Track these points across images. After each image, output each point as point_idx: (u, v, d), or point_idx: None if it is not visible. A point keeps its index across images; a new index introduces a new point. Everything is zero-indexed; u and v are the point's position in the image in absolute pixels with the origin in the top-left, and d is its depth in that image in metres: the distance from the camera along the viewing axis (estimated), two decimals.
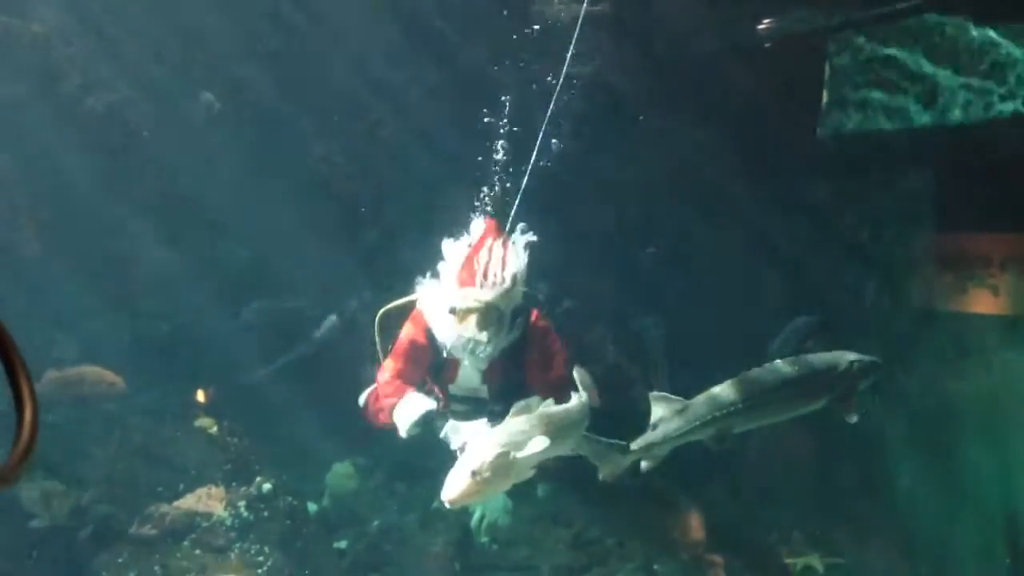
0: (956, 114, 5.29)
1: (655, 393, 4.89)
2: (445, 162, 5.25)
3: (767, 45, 6.21)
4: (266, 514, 6.66)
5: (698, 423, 4.68)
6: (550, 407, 4.05)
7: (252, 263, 8.11)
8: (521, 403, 4.12)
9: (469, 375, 4.74)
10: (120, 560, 6.21)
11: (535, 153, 4.76)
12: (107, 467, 6.90)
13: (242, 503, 6.68)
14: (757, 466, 6.75)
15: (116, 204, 7.64)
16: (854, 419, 4.67)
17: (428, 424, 4.49)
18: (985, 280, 5.87)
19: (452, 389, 4.82)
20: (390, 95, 7.67)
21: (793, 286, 6.84)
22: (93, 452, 7.06)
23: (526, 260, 4.58)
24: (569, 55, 4.89)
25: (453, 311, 4.48)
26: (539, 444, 3.72)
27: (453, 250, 4.62)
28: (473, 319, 4.46)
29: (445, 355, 4.69)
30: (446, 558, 6.60)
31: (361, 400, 5.02)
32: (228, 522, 6.53)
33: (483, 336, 4.46)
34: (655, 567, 6.59)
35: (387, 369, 4.79)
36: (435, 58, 7.39)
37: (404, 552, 6.81)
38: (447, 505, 3.65)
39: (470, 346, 4.51)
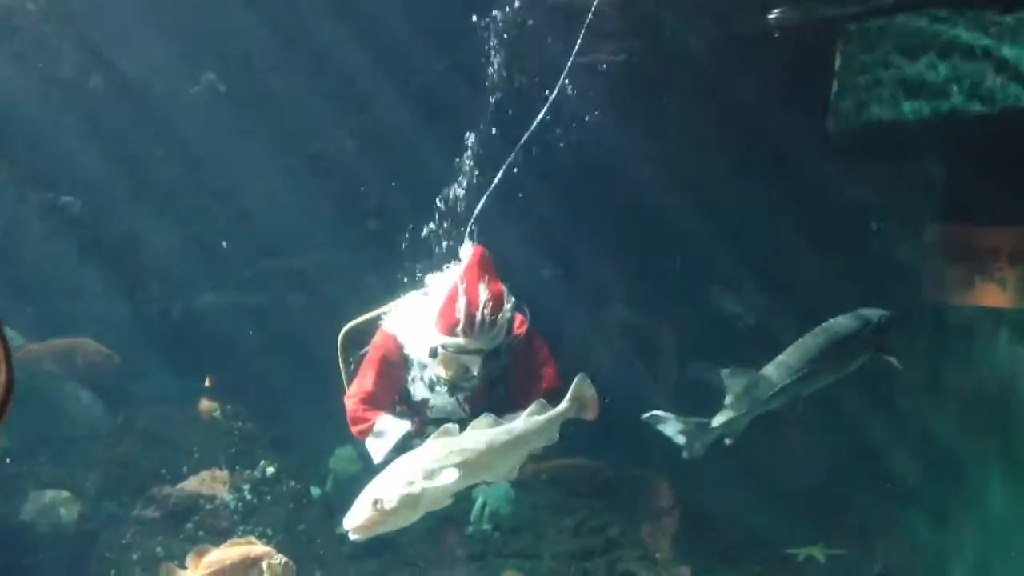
0: (968, 104, 5.24)
1: (726, 369, 4.93)
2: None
3: (776, 35, 6.17)
4: (269, 498, 6.68)
5: (773, 392, 4.80)
6: (490, 427, 3.84)
7: (256, 245, 8.09)
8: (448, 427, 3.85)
9: (445, 407, 4.44)
10: (123, 541, 6.24)
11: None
12: (110, 449, 6.94)
13: (246, 486, 6.70)
14: (764, 460, 6.73)
15: (119, 185, 7.63)
16: (899, 365, 5.07)
17: (406, 448, 4.12)
18: (993, 274, 5.84)
19: (430, 413, 4.50)
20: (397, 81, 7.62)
21: (797, 278, 6.82)
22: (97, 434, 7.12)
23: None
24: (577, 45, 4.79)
25: (434, 354, 4.19)
26: (449, 477, 3.54)
27: (436, 282, 4.31)
28: (456, 364, 4.17)
29: (412, 382, 4.41)
30: (448, 545, 6.60)
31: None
32: (231, 505, 6.55)
33: (467, 378, 4.20)
34: (657, 555, 6.61)
35: (353, 394, 4.48)
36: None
37: (406, 538, 6.83)
38: (350, 536, 3.51)
39: (449, 388, 4.26)
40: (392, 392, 4.48)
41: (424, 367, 4.34)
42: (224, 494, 6.60)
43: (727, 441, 4.92)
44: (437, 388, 4.35)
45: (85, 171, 7.56)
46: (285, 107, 7.66)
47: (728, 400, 4.84)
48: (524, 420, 3.92)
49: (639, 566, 6.46)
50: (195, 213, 7.83)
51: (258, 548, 4.50)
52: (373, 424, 4.33)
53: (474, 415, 4.26)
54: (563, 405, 4.01)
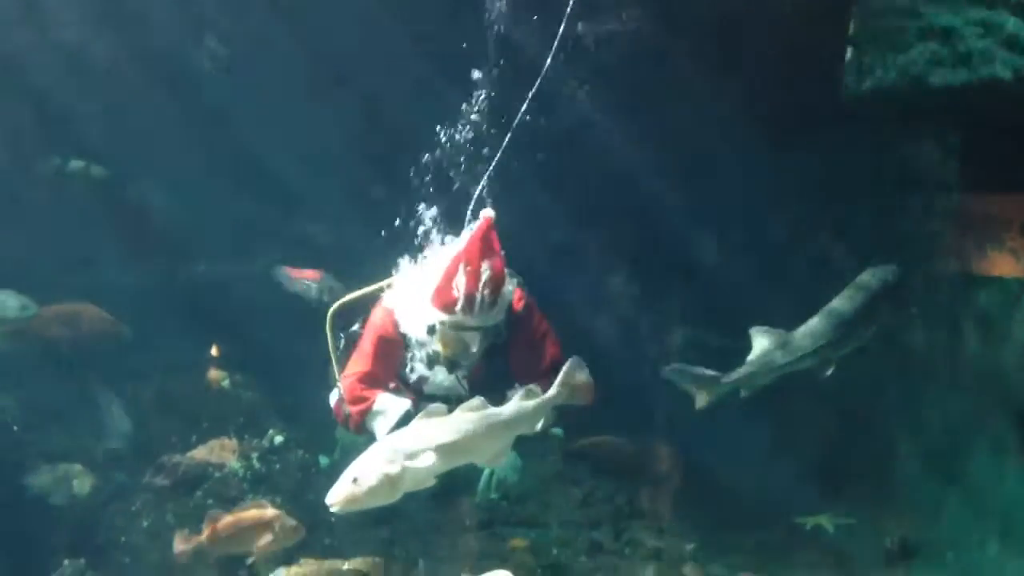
0: (986, 70, 5.16)
1: (756, 327, 4.98)
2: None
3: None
4: (278, 466, 6.70)
5: (800, 354, 4.92)
6: (479, 409, 3.83)
7: (266, 213, 8.07)
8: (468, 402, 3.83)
9: (444, 384, 4.41)
10: (133, 508, 6.28)
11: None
12: (120, 418, 6.97)
13: (255, 455, 6.72)
14: (773, 428, 6.72)
15: (126, 150, 7.59)
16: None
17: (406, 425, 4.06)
18: (1005, 243, 5.79)
19: (427, 389, 4.48)
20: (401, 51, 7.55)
21: (812, 249, 6.78)
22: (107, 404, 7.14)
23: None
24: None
25: (432, 331, 4.17)
26: (429, 459, 3.56)
27: (438, 255, 4.23)
28: (455, 341, 4.15)
29: (411, 360, 4.37)
30: (456, 513, 6.62)
31: (332, 402, 4.62)
32: (240, 473, 6.57)
33: (466, 355, 4.18)
34: (664, 524, 6.62)
35: (351, 373, 4.42)
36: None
37: (413, 505, 6.85)
38: (331, 510, 3.56)
39: (448, 364, 4.23)
40: (391, 371, 4.42)
41: (422, 345, 4.28)
42: (233, 463, 6.63)
43: (743, 393, 5.00)
44: (435, 365, 4.31)
45: (92, 136, 7.53)
46: (291, 71, 7.59)
47: (750, 356, 4.88)
48: (512, 404, 3.91)
49: (646, 535, 6.48)
50: (203, 179, 7.79)
51: (269, 511, 4.55)
52: (373, 403, 4.27)
53: (472, 392, 4.24)
54: (553, 390, 3.98)
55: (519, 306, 4.34)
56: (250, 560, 4.41)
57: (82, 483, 6.38)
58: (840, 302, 5.17)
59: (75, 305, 7.13)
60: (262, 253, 8.00)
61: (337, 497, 3.48)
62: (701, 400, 4.96)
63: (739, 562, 6.08)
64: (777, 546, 6.32)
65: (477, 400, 3.85)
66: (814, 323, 5.08)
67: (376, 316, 4.42)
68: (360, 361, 4.40)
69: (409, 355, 4.36)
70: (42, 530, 5.71)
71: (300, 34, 7.51)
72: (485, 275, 3.98)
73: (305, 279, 7.39)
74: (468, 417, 3.78)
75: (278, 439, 6.85)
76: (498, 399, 4.19)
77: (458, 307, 4.02)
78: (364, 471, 3.47)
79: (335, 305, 4.55)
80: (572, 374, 4.02)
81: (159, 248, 7.88)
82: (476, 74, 4.85)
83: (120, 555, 5.95)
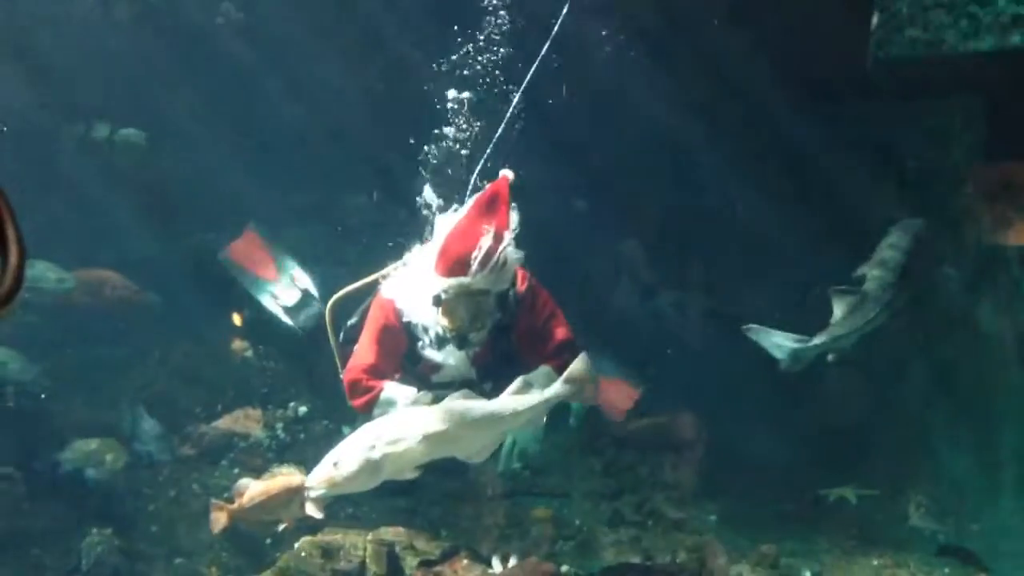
0: (1013, 38, 5.06)
1: (835, 287, 5.00)
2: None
3: None
4: (302, 436, 6.74)
5: (878, 310, 4.96)
6: (474, 401, 3.73)
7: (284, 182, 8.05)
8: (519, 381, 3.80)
9: (452, 365, 4.27)
10: (160, 479, 6.34)
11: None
12: (145, 388, 7.03)
13: (279, 425, 6.76)
14: (798, 399, 6.69)
15: (149, 118, 7.59)
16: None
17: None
18: None
19: (435, 378, 4.35)
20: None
21: (835, 217, 6.69)
22: (132, 373, 7.20)
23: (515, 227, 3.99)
24: None
25: (438, 301, 3.99)
26: (409, 448, 3.49)
27: (442, 226, 4.07)
28: (462, 309, 3.98)
29: (421, 348, 4.23)
30: (477, 484, 6.65)
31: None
32: (265, 443, 6.62)
33: (473, 326, 4.03)
34: (687, 495, 6.60)
35: (356, 366, 4.29)
36: None
37: (434, 476, 6.89)
38: (310, 494, 3.50)
39: (457, 340, 4.09)
40: (394, 362, 4.32)
41: (427, 329, 4.17)
42: (257, 432, 6.67)
43: (829, 357, 5.06)
44: (445, 346, 4.17)
45: (115, 104, 7.53)
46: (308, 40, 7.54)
47: (833, 319, 4.92)
48: (503, 398, 3.76)
49: (668, 505, 6.47)
50: (224, 147, 7.77)
51: (297, 478, 4.54)
52: (379, 393, 4.18)
53: (480, 375, 4.22)
54: (555, 388, 3.82)
55: (523, 286, 4.22)
56: (280, 527, 4.43)
57: (116, 458, 6.44)
58: (889, 253, 5.22)
59: (99, 272, 7.16)
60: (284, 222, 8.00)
61: (317, 480, 3.47)
62: (789, 364, 5.05)
63: (761, 534, 6.06)
64: (799, 518, 6.31)
65: (464, 391, 3.77)
66: (877, 277, 5.13)
67: (375, 308, 4.32)
68: (362, 354, 4.30)
69: (419, 344, 4.24)
70: (70, 499, 5.76)
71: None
72: (488, 233, 3.86)
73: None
74: (455, 408, 3.67)
75: (302, 409, 6.89)
76: (507, 384, 4.10)
77: (459, 263, 3.88)
78: (345, 455, 3.45)
79: (334, 297, 4.51)
80: (578, 371, 3.85)
81: (180, 216, 7.89)
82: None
83: (147, 524, 6.03)
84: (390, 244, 4.46)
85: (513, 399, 3.76)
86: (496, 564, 4.13)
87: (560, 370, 4.12)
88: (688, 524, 6.30)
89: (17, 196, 1.11)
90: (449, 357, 4.22)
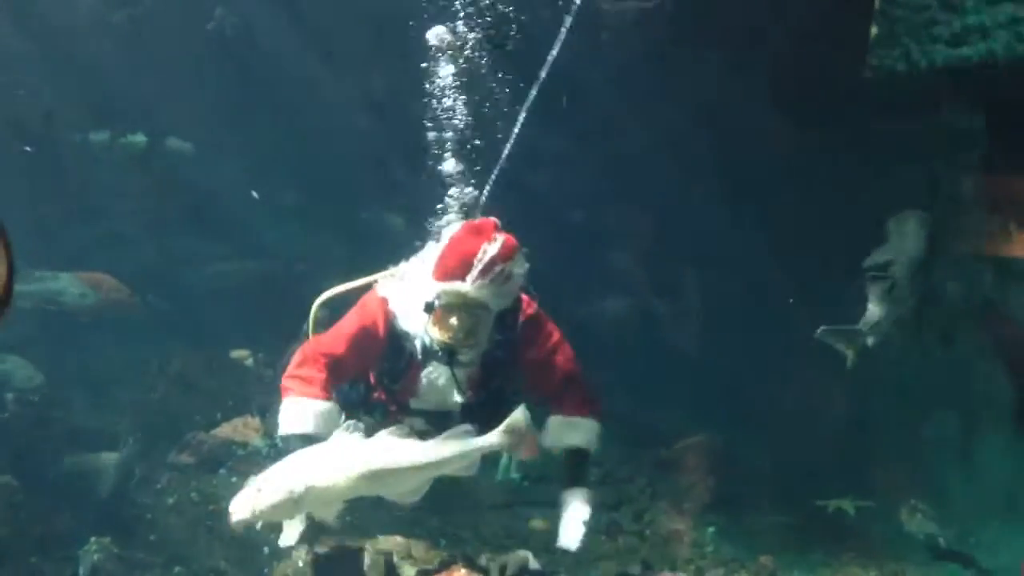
0: (1013, 50, 5.07)
1: (871, 274, 5.03)
2: None
3: None
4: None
5: (908, 292, 5.19)
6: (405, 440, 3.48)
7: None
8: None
9: (437, 387, 3.89)
10: (158, 486, 6.34)
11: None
12: (144, 395, 7.05)
13: (278, 433, 6.76)
14: (793, 411, 6.70)
15: (148, 122, 7.64)
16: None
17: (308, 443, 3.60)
18: None
19: (413, 403, 4.00)
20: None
21: (833, 231, 6.71)
22: (131, 380, 7.21)
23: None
24: None
25: (430, 308, 3.65)
26: (334, 485, 3.28)
27: (448, 232, 3.76)
28: (455, 320, 3.64)
29: (406, 361, 3.86)
30: (476, 494, 6.65)
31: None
32: (264, 451, 6.62)
33: (465, 341, 3.68)
34: (685, 506, 6.61)
35: (317, 345, 3.88)
36: None
37: (436, 484, 6.89)
38: (231, 519, 3.28)
39: (446, 355, 3.74)
40: (358, 366, 3.95)
41: (416, 337, 3.80)
42: (256, 440, 6.67)
43: (869, 342, 5.16)
44: (431, 362, 3.84)
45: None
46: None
47: (871, 305, 5.13)
48: (438, 442, 3.54)
49: (666, 516, 6.47)
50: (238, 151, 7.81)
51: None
52: (292, 395, 3.80)
53: (466, 411, 3.89)
54: (491, 438, 3.59)
55: (528, 311, 3.91)
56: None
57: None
58: (902, 242, 5.41)
59: (94, 275, 7.22)
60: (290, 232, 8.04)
61: (238, 506, 3.25)
62: (850, 356, 5.18)
63: (759, 545, 6.07)
64: (797, 529, 6.31)
65: (402, 430, 3.51)
66: (903, 263, 5.33)
67: (363, 304, 3.93)
68: (333, 340, 3.88)
69: (402, 357, 3.87)
70: (69, 507, 5.77)
71: None
72: (495, 242, 3.56)
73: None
74: (387, 448, 3.44)
75: None
76: (499, 420, 3.78)
77: (459, 268, 3.57)
78: (268, 484, 3.24)
79: (321, 297, 4.10)
80: (516, 423, 3.61)
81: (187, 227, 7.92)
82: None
83: (145, 532, 6.02)
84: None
85: (447, 444, 3.54)
86: (494, 574, 4.13)
87: (565, 410, 4.03)
88: (686, 535, 6.30)
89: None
90: (434, 377, 3.86)
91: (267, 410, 6.99)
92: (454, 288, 3.59)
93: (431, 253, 3.77)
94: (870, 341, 5.26)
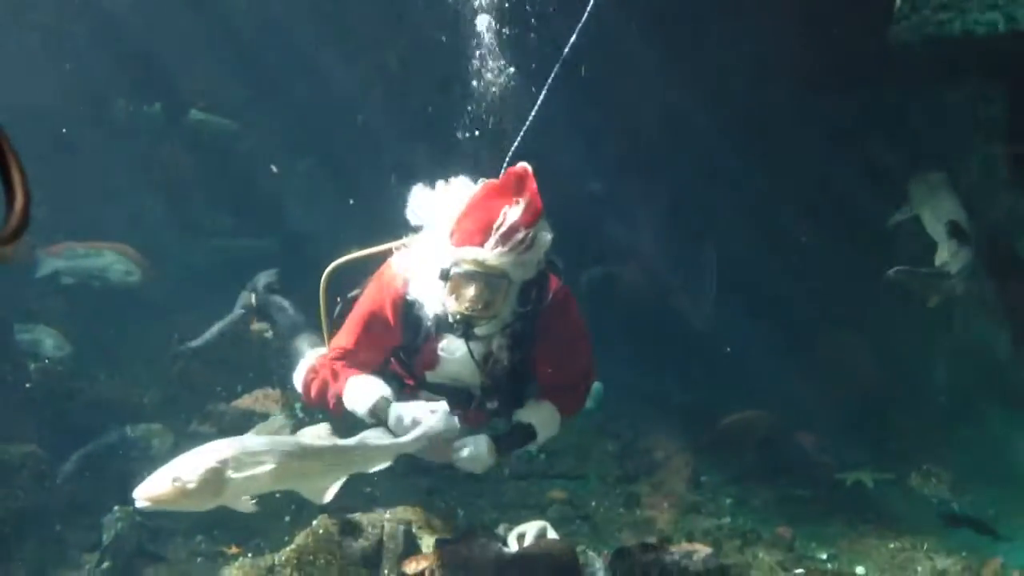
0: None
1: (940, 226, 5.18)
2: None
3: None
4: (320, 416, 6.78)
5: (973, 244, 5.22)
6: (324, 436, 3.40)
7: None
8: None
9: (453, 360, 3.67)
10: (151, 453, 6.39)
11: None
12: (167, 367, 7.11)
13: (298, 404, 6.80)
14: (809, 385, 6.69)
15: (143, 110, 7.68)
16: None
17: (383, 415, 3.58)
18: None
19: (430, 376, 3.81)
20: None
21: (852, 201, 6.66)
22: (154, 352, 7.28)
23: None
24: None
25: (445, 276, 3.38)
26: (254, 476, 3.18)
27: (457, 193, 3.46)
28: (472, 289, 3.38)
29: (423, 335, 3.64)
30: (495, 466, 6.68)
31: (296, 380, 4.13)
32: (284, 422, 6.67)
33: (482, 313, 3.42)
34: (702, 479, 6.63)
35: (331, 350, 3.79)
36: None
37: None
38: (137, 504, 3.14)
39: (461, 327, 3.49)
40: (379, 353, 3.78)
41: (432, 306, 3.55)
42: (276, 412, 6.72)
43: (958, 289, 5.22)
44: (446, 334, 3.60)
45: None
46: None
47: (949, 248, 5.24)
48: (357, 440, 3.48)
49: (684, 489, 6.49)
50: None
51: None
52: (344, 389, 3.70)
53: (485, 388, 3.75)
54: (408, 438, 3.51)
55: (557, 296, 3.63)
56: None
57: (163, 441, 6.50)
58: (930, 198, 5.47)
59: (112, 244, 7.28)
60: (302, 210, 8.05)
61: (147, 492, 3.11)
62: (931, 300, 5.26)
63: (776, 517, 6.08)
64: (816, 501, 6.31)
65: (324, 427, 3.44)
66: (955, 220, 5.38)
67: (376, 283, 3.71)
68: (344, 335, 3.75)
69: (420, 328, 3.64)
70: (93, 476, 5.83)
71: None
72: (517, 204, 3.28)
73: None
74: (307, 443, 3.39)
75: None
76: (513, 407, 3.84)
77: (477, 232, 3.29)
78: (186, 472, 3.12)
79: (331, 266, 3.89)
80: (436, 428, 3.54)
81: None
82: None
83: None
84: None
85: (364, 443, 3.49)
86: (512, 543, 4.14)
87: (563, 406, 3.87)
88: (704, 506, 6.32)
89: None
90: (451, 349, 3.64)
91: (288, 381, 7.07)
92: (472, 255, 3.33)
93: (448, 214, 3.44)
94: (958, 287, 5.28)
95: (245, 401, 6.84)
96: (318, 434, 3.46)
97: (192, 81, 7.78)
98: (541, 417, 3.85)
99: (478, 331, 3.54)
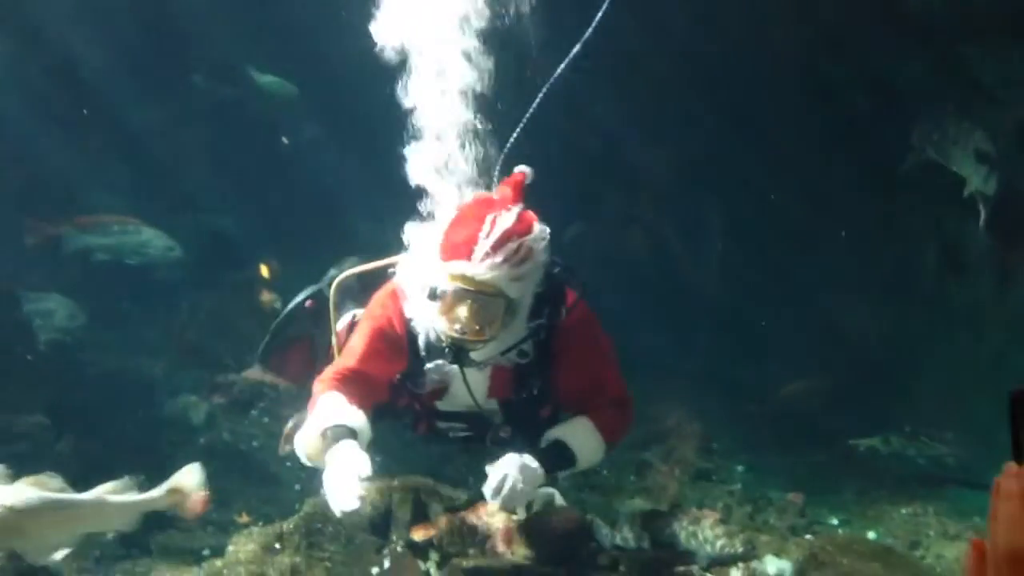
0: None
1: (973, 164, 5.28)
2: None
3: None
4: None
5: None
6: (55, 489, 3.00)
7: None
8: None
9: (463, 386, 3.32)
10: (192, 426, 6.44)
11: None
12: (177, 337, 7.12)
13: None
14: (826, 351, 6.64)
15: (154, 96, 7.63)
16: None
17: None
18: None
19: (441, 404, 3.52)
20: None
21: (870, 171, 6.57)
22: (163, 322, 7.29)
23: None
24: None
25: (434, 295, 3.02)
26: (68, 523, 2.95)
27: (452, 209, 3.12)
28: (463, 310, 3.00)
29: (424, 359, 3.30)
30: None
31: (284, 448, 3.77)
32: (294, 393, 6.67)
33: (476, 335, 3.03)
34: (714, 446, 6.60)
35: (332, 369, 3.38)
36: None
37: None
38: None
39: (452, 351, 3.13)
40: (384, 374, 3.40)
41: (424, 333, 3.25)
42: (287, 382, 6.72)
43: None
44: (435, 359, 3.28)
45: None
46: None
47: (979, 174, 5.29)
48: (91, 496, 3.13)
49: (696, 455, 6.47)
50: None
51: None
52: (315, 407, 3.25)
53: (512, 407, 3.44)
54: (153, 494, 3.24)
55: (575, 312, 3.27)
56: None
57: (197, 412, 6.52)
58: (955, 131, 5.52)
59: (123, 217, 7.26)
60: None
61: None
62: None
63: (788, 483, 6.06)
64: (828, 468, 6.28)
65: (55, 479, 3.05)
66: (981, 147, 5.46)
67: (377, 301, 3.41)
68: (347, 355, 3.42)
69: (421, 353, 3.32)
70: (101, 445, 5.86)
71: None
72: (507, 216, 2.94)
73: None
74: (26, 497, 2.97)
75: None
76: (533, 439, 3.47)
77: (462, 249, 2.95)
78: (13, 502, 2.87)
79: (340, 277, 3.63)
80: (184, 479, 3.30)
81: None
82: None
83: (178, 470, 6.09)
84: None
85: (101, 498, 3.14)
86: (520, 511, 4.12)
87: (602, 424, 3.43)
88: (715, 473, 6.30)
89: None
90: (447, 376, 3.33)
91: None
92: (459, 269, 2.95)
93: (437, 227, 3.12)
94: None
95: (255, 372, 6.82)
96: (44, 484, 3.03)
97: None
98: (572, 430, 3.47)
99: (474, 356, 3.20)
